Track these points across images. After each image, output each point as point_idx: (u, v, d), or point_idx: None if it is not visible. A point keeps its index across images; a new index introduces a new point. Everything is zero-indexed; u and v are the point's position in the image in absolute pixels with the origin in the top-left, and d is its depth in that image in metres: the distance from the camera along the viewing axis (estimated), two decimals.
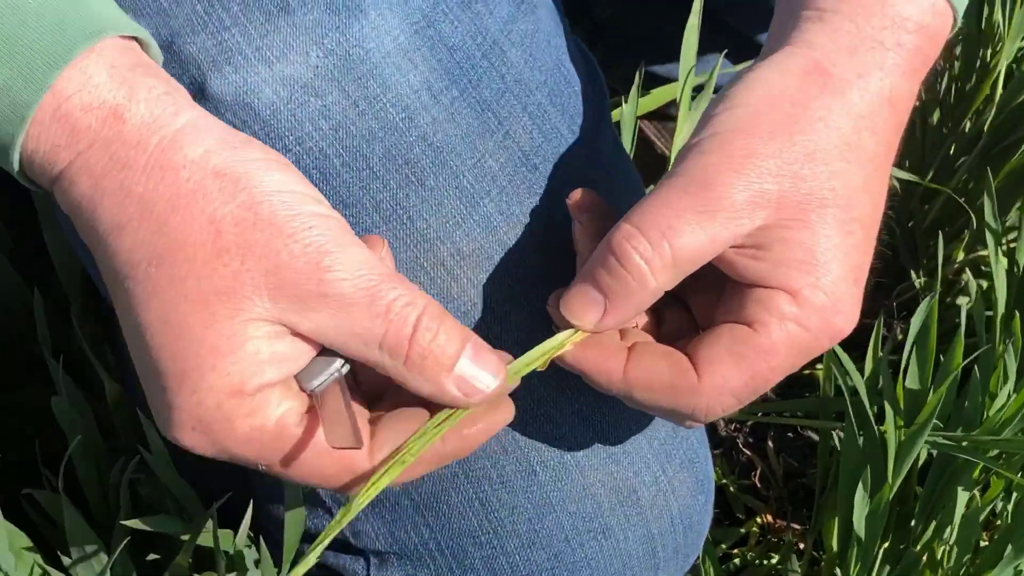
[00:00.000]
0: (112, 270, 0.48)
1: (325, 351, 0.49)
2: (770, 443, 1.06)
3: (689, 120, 0.78)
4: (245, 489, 0.71)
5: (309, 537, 0.66)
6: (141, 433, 0.75)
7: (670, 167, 0.53)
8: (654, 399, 0.53)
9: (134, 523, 0.65)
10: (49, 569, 0.68)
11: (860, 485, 0.73)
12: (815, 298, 0.52)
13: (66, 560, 0.68)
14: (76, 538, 0.66)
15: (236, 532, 0.66)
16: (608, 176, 0.64)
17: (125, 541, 0.66)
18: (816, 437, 1.06)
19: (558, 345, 0.53)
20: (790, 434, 1.07)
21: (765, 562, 0.98)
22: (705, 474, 0.66)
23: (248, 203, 0.47)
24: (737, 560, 0.99)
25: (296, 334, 0.48)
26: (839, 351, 0.76)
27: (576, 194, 0.57)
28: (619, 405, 0.59)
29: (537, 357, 0.53)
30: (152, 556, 0.69)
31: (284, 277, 0.47)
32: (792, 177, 0.51)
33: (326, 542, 0.49)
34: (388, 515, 0.62)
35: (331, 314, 0.47)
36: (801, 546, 0.99)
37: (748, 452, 1.06)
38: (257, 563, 0.67)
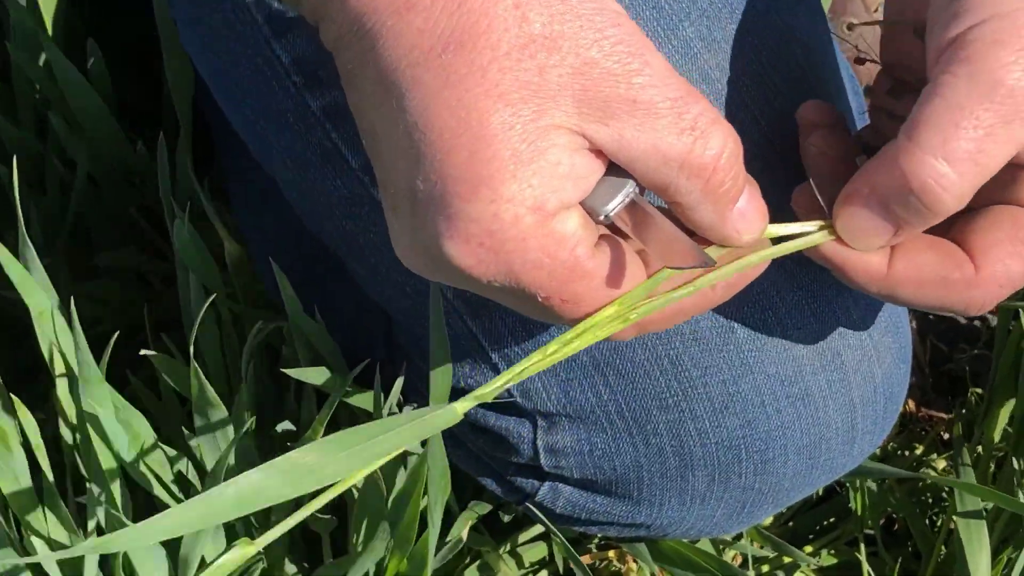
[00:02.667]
0: (389, 60, 0.46)
1: (607, 172, 0.48)
2: (913, 323, 1.05)
3: None
4: (387, 353, 0.72)
5: (458, 395, 0.66)
6: (264, 302, 0.77)
7: (931, 54, 0.50)
8: (922, 296, 0.52)
9: (295, 372, 0.65)
10: (165, 447, 0.68)
11: None
12: None
13: (187, 434, 0.67)
14: (201, 407, 0.65)
15: (386, 396, 0.67)
16: (812, 15, 0.63)
17: (252, 420, 0.66)
18: (961, 320, 1.07)
19: (810, 238, 0.52)
20: (931, 316, 1.07)
21: (907, 452, 0.99)
22: (907, 341, 0.67)
23: None
24: (877, 450, 0.99)
25: (591, 149, 0.47)
26: None
27: (807, 109, 0.56)
28: None
29: (795, 245, 0.52)
30: (283, 427, 0.69)
31: (592, 77, 0.46)
32: None
33: (503, 382, 0.49)
34: (563, 372, 0.63)
35: (636, 123, 0.46)
36: (946, 436, 1.01)
37: None
38: None
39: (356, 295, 0.71)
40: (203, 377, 0.65)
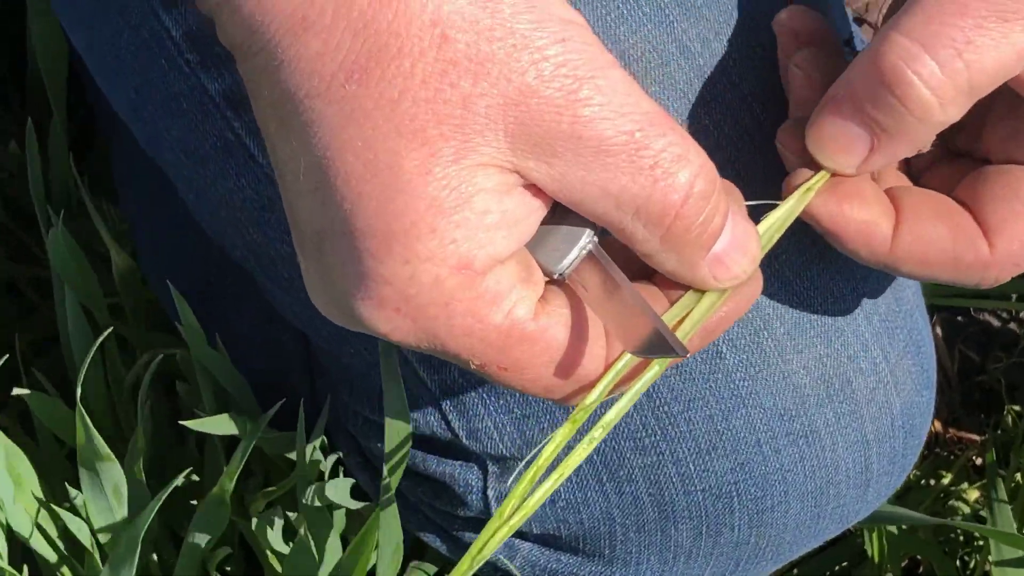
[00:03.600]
0: (286, 88, 0.43)
1: (552, 216, 0.46)
2: (938, 329, 1.04)
3: None
4: (306, 380, 0.72)
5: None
6: (158, 320, 0.75)
7: None
8: (929, 273, 0.52)
9: (196, 424, 0.62)
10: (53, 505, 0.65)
11: None
12: None
13: (73, 491, 0.65)
14: (88, 458, 0.62)
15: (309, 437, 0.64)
16: None
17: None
18: (995, 322, 1.06)
19: (800, 197, 0.51)
20: (960, 317, 1.06)
21: (933, 482, 0.97)
22: (930, 362, 0.65)
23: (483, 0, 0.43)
24: None
25: (527, 186, 0.45)
26: None
27: (789, 15, 0.55)
28: (830, 267, 0.59)
29: (781, 218, 0.51)
30: (182, 479, 0.64)
31: (530, 108, 0.43)
32: None
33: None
34: (517, 408, 0.61)
35: (582, 163, 0.44)
36: (978, 462, 0.99)
37: None
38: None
39: (269, 310, 0.69)
40: (92, 428, 0.61)
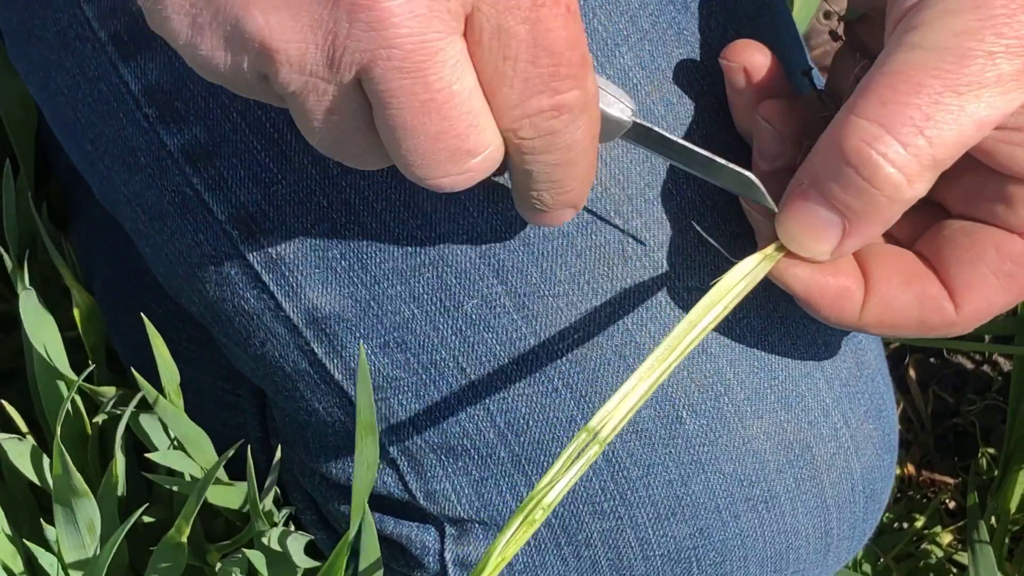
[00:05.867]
0: None
1: None
2: (911, 371, 1.05)
3: None
4: (261, 435, 0.72)
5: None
6: (119, 366, 0.75)
7: (889, 25, 0.51)
8: (894, 333, 0.55)
9: (159, 456, 0.63)
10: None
11: None
12: None
13: (50, 531, 0.65)
14: (64, 497, 0.63)
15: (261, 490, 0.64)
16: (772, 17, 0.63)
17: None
18: (969, 364, 1.06)
19: (762, 262, 0.53)
20: (933, 359, 1.06)
21: (906, 525, 0.97)
22: (891, 425, 0.66)
23: None
24: None
25: None
26: None
27: (743, 47, 0.56)
28: (791, 332, 0.60)
29: (742, 282, 0.52)
30: (143, 516, 0.66)
31: None
32: None
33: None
34: (475, 470, 0.61)
35: None
36: (951, 505, 1.00)
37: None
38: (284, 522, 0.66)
39: (226, 365, 0.70)
40: (71, 464, 0.62)
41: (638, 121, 0.54)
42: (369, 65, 0.45)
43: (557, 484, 0.49)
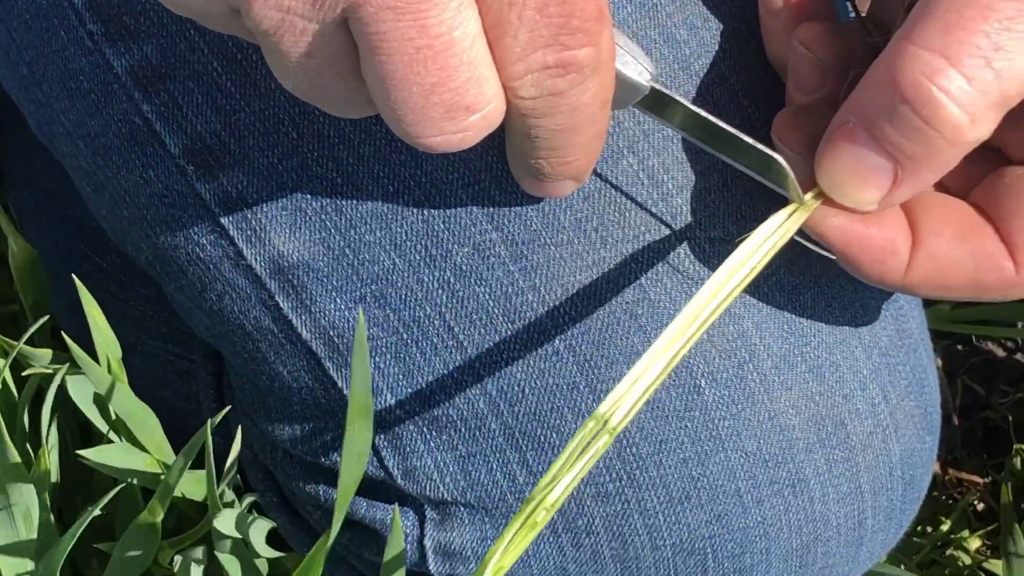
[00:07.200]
0: None
1: None
2: (938, 359, 1.04)
3: None
4: (217, 408, 0.71)
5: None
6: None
7: None
8: (945, 295, 0.53)
9: (91, 453, 0.60)
10: None
11: None
12: None
13: None
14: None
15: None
16: None
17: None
18: (1001, 352, 1.06)
19: (797, 214, 0.52)
20: (961, 346, 1.06)
21: (931, 529, 0.97)
22: (934, 403, 0.65)
23: None
24: None
25: None
26: None
27: None
28: (825, 292, 0.60)
29: (772, 237, 0.51)
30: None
31: None
32: None
33: None
34: (462, 445, 0.60)
35: None
36: (980, 507, 1.00)
37: None
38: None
39: (178, 327, 0.69)
40: (11, 447, 0.61)
41: (657, 87, 0.52)
42: (358, 2, 0.44)
43: (562, 480, 0.48)
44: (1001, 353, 1.06)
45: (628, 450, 0.58)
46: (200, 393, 0.71)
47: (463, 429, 0.59)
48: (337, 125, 0.57)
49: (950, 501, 1.00)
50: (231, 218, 0.58)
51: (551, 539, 0.60)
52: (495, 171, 0.56)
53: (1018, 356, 1.07)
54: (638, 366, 0.48)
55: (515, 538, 0.48)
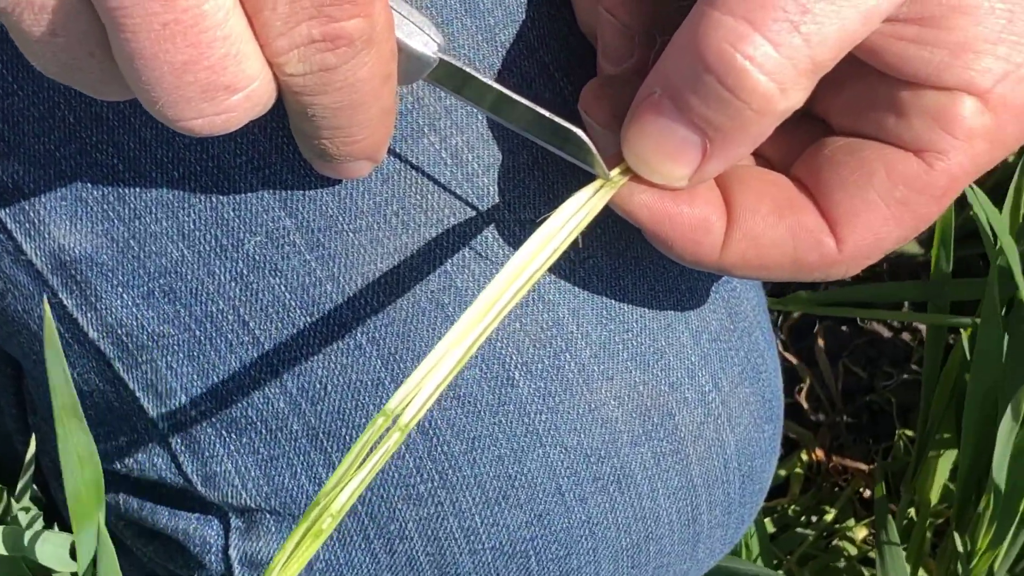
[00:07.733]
0: None
1: None
2: (820, 340, 1.05)
3: None
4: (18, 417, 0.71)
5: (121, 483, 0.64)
6: None
7: None
8: (763, 275, 0.53)
9: None
10: None
11: (1008, 411, 0.70)
12: (1016, 95, 0.50)
13: None
14: None
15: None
16: None
17: None
18: (886, 332, 1.06)
19: (600, 192, 0.50)
20: (844, 327, 1.07)
21: (815, 519, 0.98)
22: (774, 391, 0.65)
23: None
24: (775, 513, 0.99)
25: None
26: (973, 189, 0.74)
27: None
28: (647, 275, 0.59)
29: (576, 216, 0.50)
30: None
31: None
32: None
33: None
34: (264, 447, 0.59)
35: None
36: (866, 494, 1.00)
37: (790, 357, 1.05)
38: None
39: None
40: None
41: (446, 59, 0.50)
42: None
43: (350, 483, 0.46)
44: (887, 333, 1.07)
45: (439, 449, 0.57)
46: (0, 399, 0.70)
47: (264, 431, 0.57)
48: (116, 107, 0.55)
49: (835, 489, 1.00)
50: (8, 210, 0.56)
51: (363, 546, 0.59)
52: (285, 153, 0.54)
53: (904, 335, 1.07)
54: (430, 357, 0.47)
55: (299, 548, 0.46)
